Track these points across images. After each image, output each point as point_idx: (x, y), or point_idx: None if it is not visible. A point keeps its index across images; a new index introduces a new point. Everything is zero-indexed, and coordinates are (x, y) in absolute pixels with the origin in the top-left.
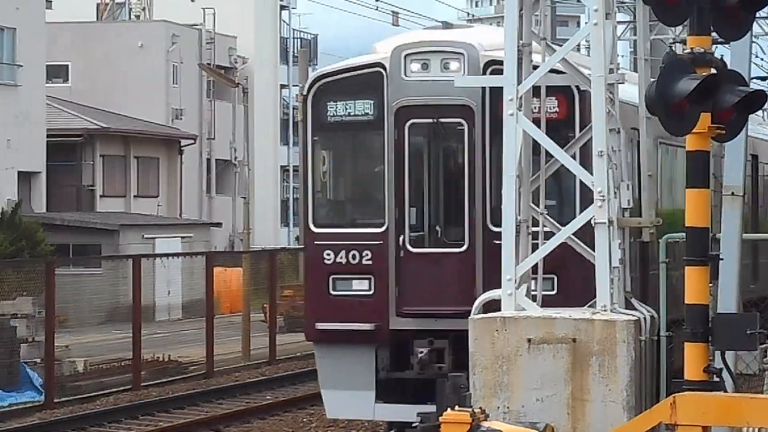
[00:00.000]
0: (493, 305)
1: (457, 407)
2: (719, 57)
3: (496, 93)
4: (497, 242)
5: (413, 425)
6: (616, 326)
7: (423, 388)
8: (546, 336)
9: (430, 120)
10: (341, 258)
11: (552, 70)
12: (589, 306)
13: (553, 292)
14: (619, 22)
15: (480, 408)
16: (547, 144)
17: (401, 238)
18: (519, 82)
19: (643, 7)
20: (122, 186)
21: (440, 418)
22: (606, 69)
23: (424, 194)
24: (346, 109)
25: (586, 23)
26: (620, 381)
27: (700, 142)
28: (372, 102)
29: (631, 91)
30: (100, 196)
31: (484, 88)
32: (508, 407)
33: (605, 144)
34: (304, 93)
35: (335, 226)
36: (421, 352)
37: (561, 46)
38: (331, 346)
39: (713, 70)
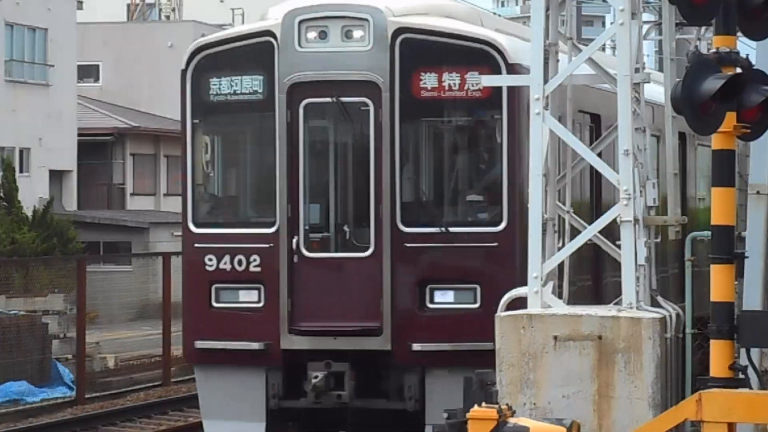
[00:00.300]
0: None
1: (483, 403)
2: (744, 57)
3: (407, 67)
4: (409, 245)
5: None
6: (642, 324)
7: (320, 419)
8: (572, 333)
9: (329, 99)
10: (225, 264)
11: (463, 37)
12: (615, 303)
13: (475, 306)
14: (644, 22)
15: (507, 404)
16: (573, 143)
17: (295, 241)
18: (545, 81)
19: (669, 6)
20: (152, 184)
21: (467, 414)
22: (632, 68)
23: (329, 188)
24: (232, 86)
25: (611, 23)
26: (646, 378)
27: (725, 141)
28: (261, 78)
29: (656, 91)
30: (131, 194)
31: (392, 60)
32: (534, 404)
33: (630, 143)
34: (183, 67)
35: (219, 226)
36: (316, 377)
37: (587, 45)
38: (214, 368)
39: (739, 70)
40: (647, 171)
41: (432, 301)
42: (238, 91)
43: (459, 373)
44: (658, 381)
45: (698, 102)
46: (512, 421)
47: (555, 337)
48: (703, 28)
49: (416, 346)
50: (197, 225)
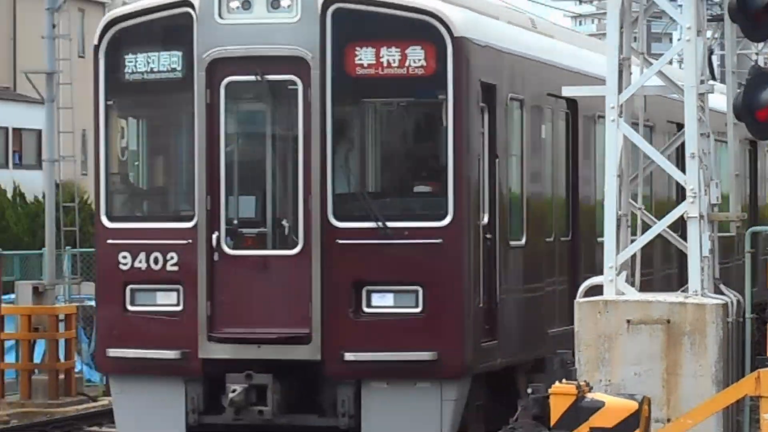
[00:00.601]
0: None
1: (564, 380)
2: None
3: (340, 41)
4: (342, 242)
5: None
6: (706, 309)
7: None
8: (643, 317)
9: (253, 77)
10: (141, 262)
11: (403, 7)
12: (682, 291)
13: (417, 310)
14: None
15: (584, 381)
16: (645, 147)
17: (215, 236)
18: (620, 91)
19: (731, 24)
20: None
21: (549, 389)
22: (697, 80)
23: (261, 178)
24: (149, 63)
25: (678, 39)
26: (710, 358)
27: None
28: (180, 54)
29: (719, 100)
30: None
31: (323, 33)
32: (609, 380)
33: (697, 147)
34: (95, 42)
35: (134, 220)
36: (234, 391)
37: (656, 59)
38: (130, 379)
39: None
40: (711, 172)
41: (369, 305)
42: (155, 69)
43: (399, 387)
44: (720, 360)
45: (757, 110)
46: (589, 396)
47: (628, 321)
48: (761, 44)
49: (349, 356)
50: (111, 219)
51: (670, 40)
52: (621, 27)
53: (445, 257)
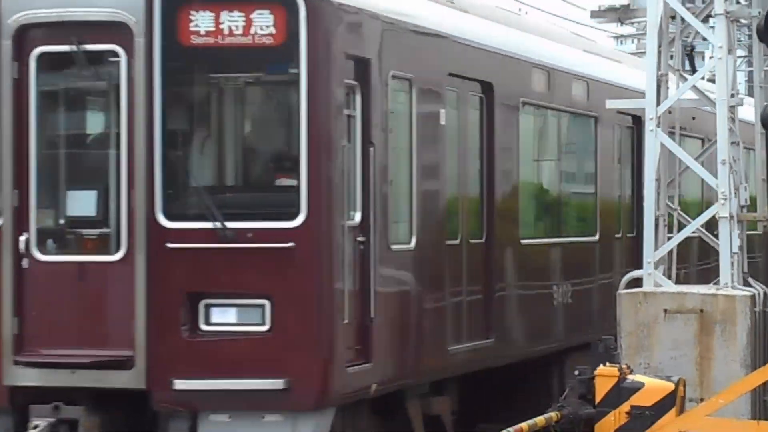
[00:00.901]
0: None
1: (607, 363)
2: None
3: (172, 3)
4: (173, 246)
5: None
6: (736, 300)
7: None
8: (679, 307)
9: (68, 47)
10: None
11: None
12: (714, 284)
13: (264, 328)
14: (738, 56)
15: (626, 364)
16: (680, 154)
17: (23, 239)
18: (658, 104)
19: (758, 43)
20: None
21: (594, 372)
22: (728, 94)
23: (107, 170)
24: None
25: (711, 58)
26: (739, 344)
27: None
28: None
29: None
30: None
31: None
32: (648, 364)
33: (727, 154)
34: None
35: None
36: (36, 427)
37: (691, 75)
38: None
39: None
40: (740, 177)
41: (207, 322)
42: None
43: (243, 420)
44: (748, 346)
45: None
46: (630, 377)
47: (665, 311)
48: None
49: (181, 384)
50: None
51: (703, 58)
52: (659, 46)
53: (297, 264)
